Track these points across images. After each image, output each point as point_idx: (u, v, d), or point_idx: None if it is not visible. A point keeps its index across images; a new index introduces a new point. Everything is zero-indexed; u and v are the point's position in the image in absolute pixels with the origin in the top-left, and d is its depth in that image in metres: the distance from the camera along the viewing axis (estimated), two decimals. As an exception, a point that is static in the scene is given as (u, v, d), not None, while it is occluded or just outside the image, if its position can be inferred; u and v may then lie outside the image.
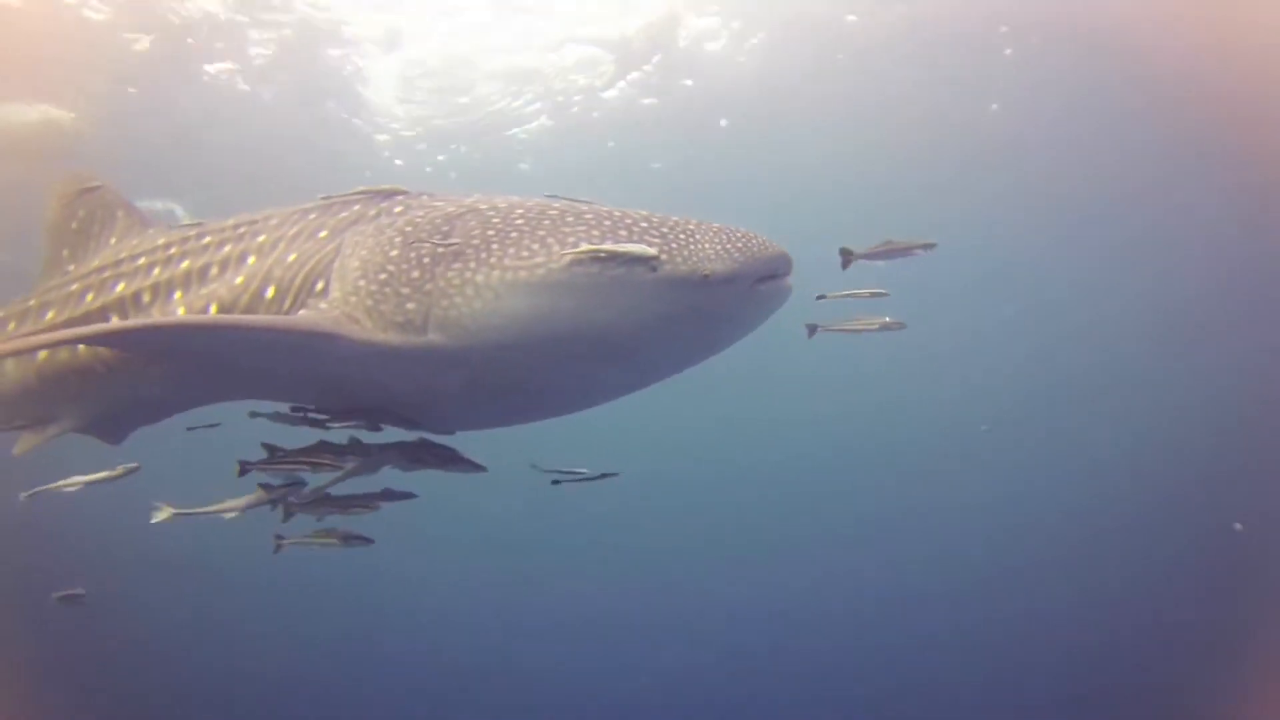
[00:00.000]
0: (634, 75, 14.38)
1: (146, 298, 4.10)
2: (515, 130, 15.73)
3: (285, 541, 3.79)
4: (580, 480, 3.89)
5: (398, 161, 16.25)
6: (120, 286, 4.27)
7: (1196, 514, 20.73)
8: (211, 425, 4.69)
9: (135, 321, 3.36)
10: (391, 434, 3.80)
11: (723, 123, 15.89)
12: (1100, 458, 23.22)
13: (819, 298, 4.23)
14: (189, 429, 4.66)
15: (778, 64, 14.12)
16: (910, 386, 22.64)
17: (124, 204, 5.15)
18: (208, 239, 4.14)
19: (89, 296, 4.42)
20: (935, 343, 19.73)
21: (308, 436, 3.77)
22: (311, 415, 3.81)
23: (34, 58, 12.30)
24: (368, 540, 3.84)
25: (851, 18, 13.16)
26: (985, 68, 14.02)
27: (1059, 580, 21.43)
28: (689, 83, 14.64)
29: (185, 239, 4.27)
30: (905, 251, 4.21)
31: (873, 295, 4.19)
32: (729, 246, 3.13)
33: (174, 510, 3.63)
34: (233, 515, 3.58)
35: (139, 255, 4.40)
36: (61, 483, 3.88)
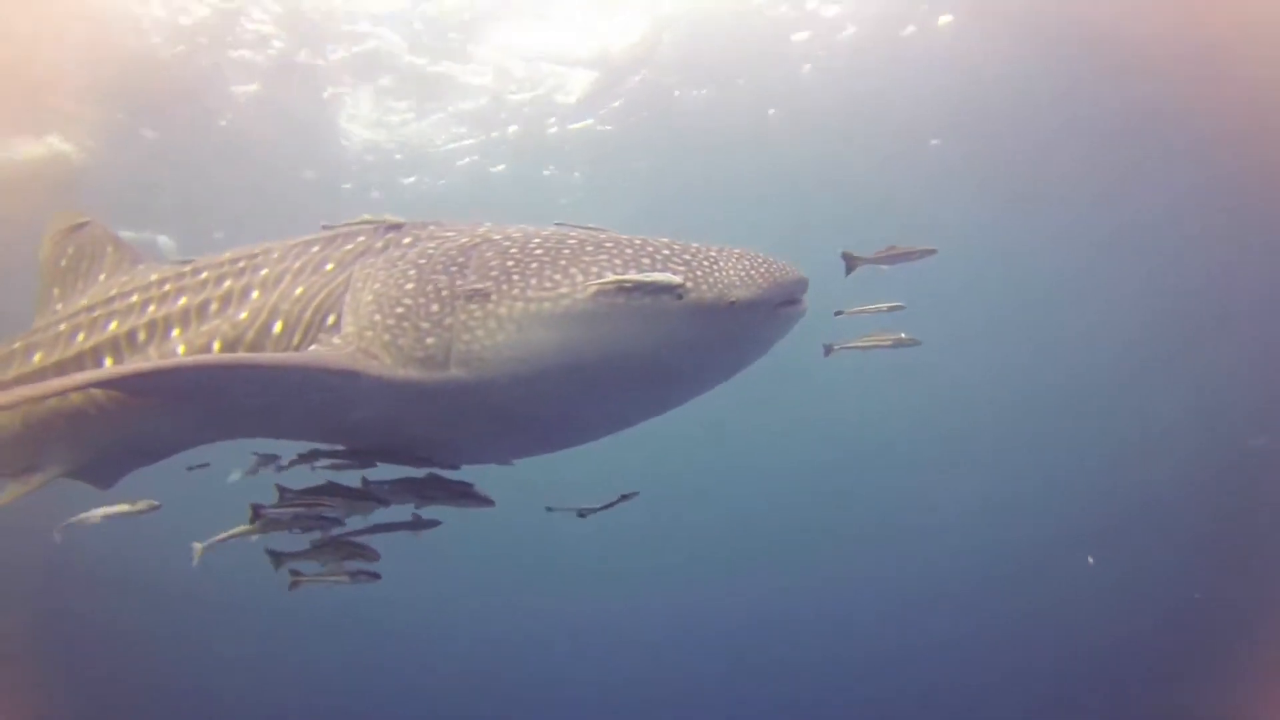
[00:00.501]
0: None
1: (142, 336, 3.95)
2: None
3: (301, 579, 3.67)
4: (604, 509, 3.82)
5: (374, 194, 16.20)
6: (113, 325, 4.11)
7: (1206, 512, 20.57)
8: (201, 465, 4.54)
9: (145, 364, 3.21)
10: (385, 470, 3.70)
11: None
12: (1109, 456, 23.05)
13: (837, 314, 4.15)
14: (189, 469, 4.52)
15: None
16: (907, 388, 22.44)
17: (113, 239, 4.99)
18: (205, 274, 3.99)
19: (79, 336, 4.24)
20: (936, 343, 19.72)
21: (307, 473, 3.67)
22: (316, 455, 3.69)
23: (39, 89, 12.20)
24: (375, 576, 3.73)
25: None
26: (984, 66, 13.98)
27: (1067, 583, 21.15)
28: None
29: (180, 274, 4.12)
30: (907, 257, 4.18)
31: (890, 309, 4.12)
32: (752, 273, 3.11)
33: (203, 545, 3.52)
34: (256, 537, 3.50)
35: (131, 292, 4.24)
36: (84, 516, 3.71)
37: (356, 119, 14.63)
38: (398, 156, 15.64)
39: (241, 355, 3.43)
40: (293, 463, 3.73)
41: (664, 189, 16.57)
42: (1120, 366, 21.28)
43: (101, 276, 4.82)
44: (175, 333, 3.82)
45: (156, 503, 3.65)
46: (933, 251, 4.10)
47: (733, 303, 3.03)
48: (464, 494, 3.52)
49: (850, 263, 4.16)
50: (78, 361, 4.12)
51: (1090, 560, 18.16)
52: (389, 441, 3.60)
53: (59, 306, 4.82)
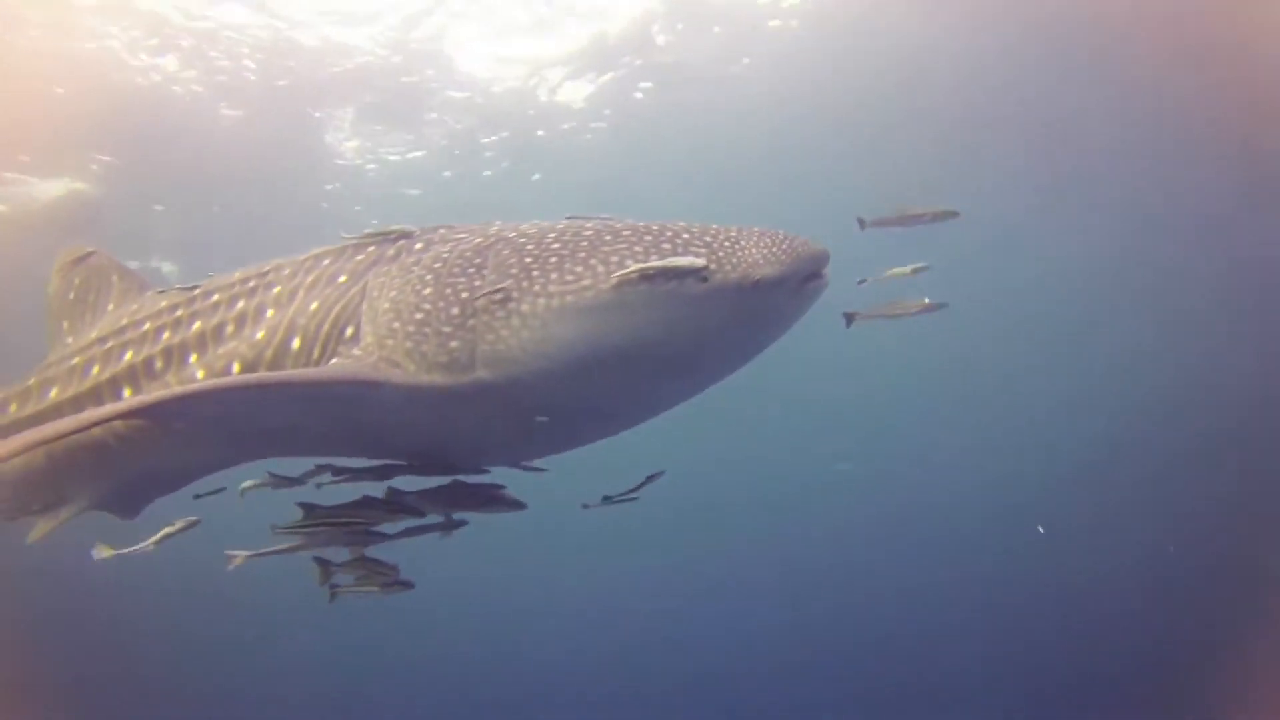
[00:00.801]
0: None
1: (159, 364, 3.90)
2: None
3: (339, 589, 3.64)
4: (632, 495, 3.80)
5: (356, 207, 16.14)
6: (129, 355, 4.07)
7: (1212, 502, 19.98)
8: (218, 490, 4.40)
9: (169, 392, 3.17)
10: (406, 481, 3.66)
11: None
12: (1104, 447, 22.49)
13: (860, 282, 4.10)
14: (196, 497, 4.38)
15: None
16: (910, 375, 22.13)
17: (119, 268, 4.95)
18: (216, 296, 3.95)
19: (95, 369, 4.20)
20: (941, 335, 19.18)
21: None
22: (336, 470, 3.65)
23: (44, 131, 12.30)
24: (408, 584, 3.69)
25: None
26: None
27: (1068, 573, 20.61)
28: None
29: (191, 299, 4.08)
30: (921, 219, 4.10)
31: (914, 271, 4.06)
32: (775, 250, 3.09)
33: (245, 554, 3.47)
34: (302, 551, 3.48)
35: (143, 321, 4.19)
36: (136, 548, 3.66)
37: (342, 134, 14.60)
38: (387, 170, 15.62)
39: (264, 375, 3.37)
40: (309, 474, 3.67)
41: (661, 183, 16.39)
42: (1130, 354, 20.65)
43: (110, 306, 4.79)
44: (193, 358, 3.78)
45: (195, 519, 3.62)
46: (954, 214, 4.02)
47: (758, 281, 3.00)
48: (494, 499, 3.50)
49: (862, 226, 4.08)
50: (94, 395, 4.09)
51: (1040, 529, 17.95)
52: (414, 451, 3.57)
53: (70, 340, 4.79)
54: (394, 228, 3.88)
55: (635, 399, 3.46)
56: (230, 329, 3.73)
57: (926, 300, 4.20)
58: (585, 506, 3.88)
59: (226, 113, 13.40)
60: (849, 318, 4.09)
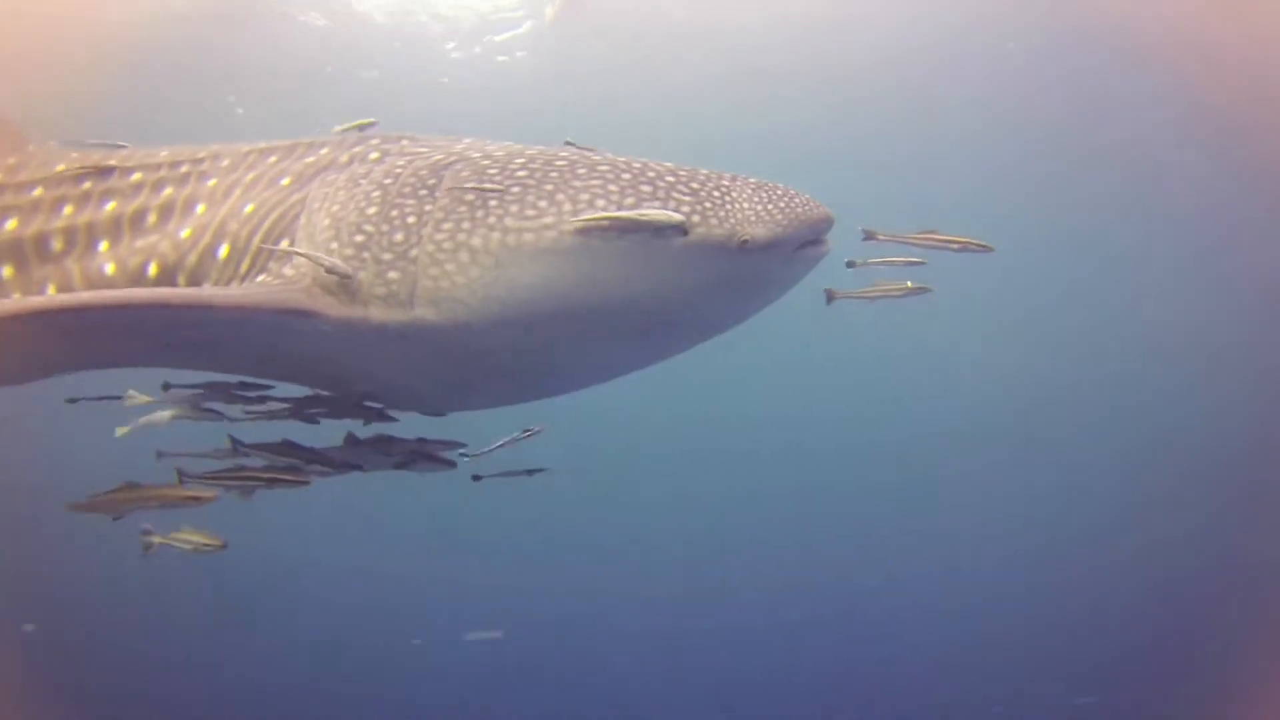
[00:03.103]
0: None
1: (57, 245, 3.32)
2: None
3: (154, 539, 3.21)
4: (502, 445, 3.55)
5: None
6: (11, 225, 3.40)
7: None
8: (110, 398, 3.70)
9: (60, 299, 2.74)
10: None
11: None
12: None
13: (848, 264, 3.79)
14: (69, 400, 3.82)
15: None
16: (919, 378, 20.84)
17: None
18: (137, 175, 3.40)
19: None
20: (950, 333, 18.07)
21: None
22: (256, 398, 3.31)
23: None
24: (219, 545, 3.18)
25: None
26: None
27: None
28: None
29: (105, 171, 3.47)
30: (945, 246, 3.82)
31: (908, 264, 3.77)
32: (770, 208, 2.75)
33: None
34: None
35: (31, 184, 3.50)
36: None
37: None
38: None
39: (173, 293, 2.94)
40: (199, 396, 3.28)
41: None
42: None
43: None
44: (103, 246, 3.27)
45: (212, 494, 3.06)
46: (986, 248, 3.74)
47: (745, 242, 2.68)
48: (423, 455, 3.19)
49: (869, 238, 3.78)
50: None
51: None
52: (346, 385, 3.23)
53: None
54: (361, 121, 3.47)
55: (593, 358, 3.16)
56: (152, 219, 3.26)
57: (909, 283, 3.90)
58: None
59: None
60: (829, 295, 3.79)
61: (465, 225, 2.68)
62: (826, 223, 2.88)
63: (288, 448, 3.09)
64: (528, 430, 3.72)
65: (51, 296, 3.01)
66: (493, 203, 2.70)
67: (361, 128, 3.90)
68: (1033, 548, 15.77)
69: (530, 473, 3.68)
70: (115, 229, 3.30)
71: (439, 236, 2.68)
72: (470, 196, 2.72)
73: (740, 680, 13.24)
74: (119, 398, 3.39)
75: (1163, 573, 14.51)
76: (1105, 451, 18.10)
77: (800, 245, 2.83)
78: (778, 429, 19.44)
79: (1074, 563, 15.05)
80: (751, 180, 2.85)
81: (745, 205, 2.72)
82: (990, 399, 19.47)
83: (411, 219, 2.74)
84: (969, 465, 17.98)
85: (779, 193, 2.80)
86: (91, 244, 3.32)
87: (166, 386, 3.39)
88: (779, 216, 2.72)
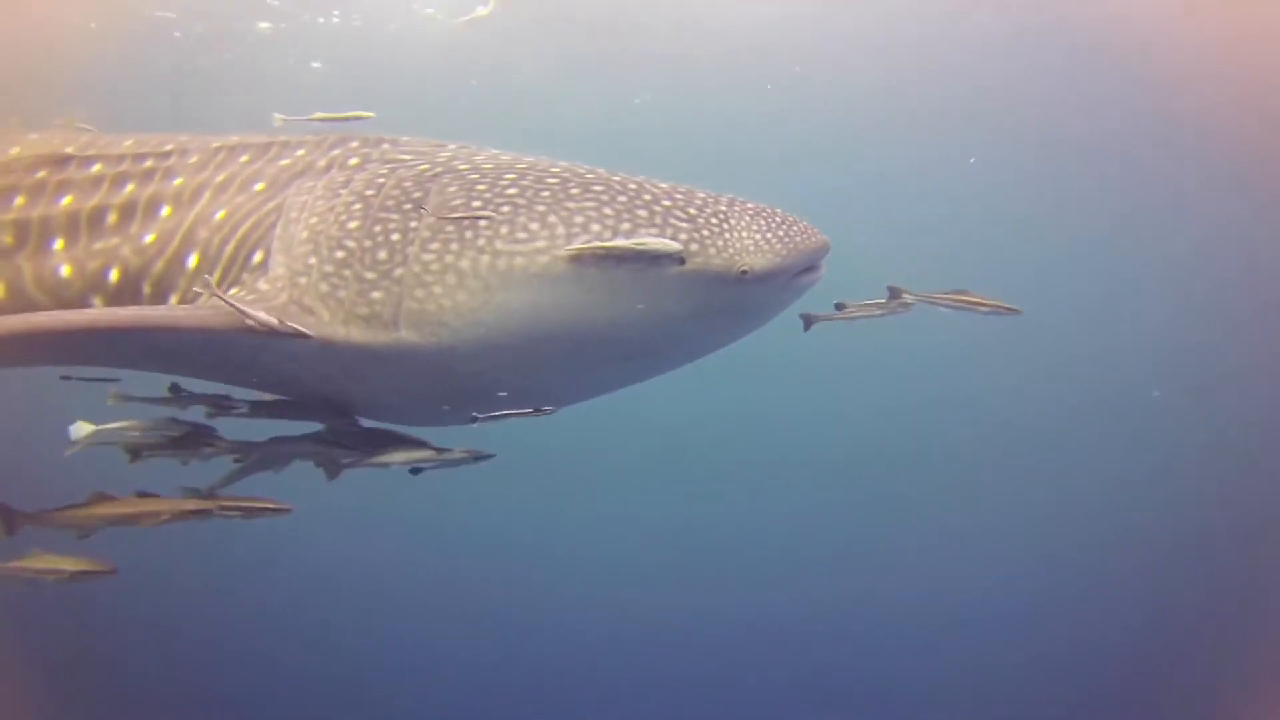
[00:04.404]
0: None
1: (6, 239, 3.09)
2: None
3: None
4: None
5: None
6: None
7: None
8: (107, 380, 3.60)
9: (15, 322, 2.47)
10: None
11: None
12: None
13: (838, 306, 3.73)
14: (64, 377, 3.54)
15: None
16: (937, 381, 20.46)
17: None
18: (97, 167, 3.18)
19: None
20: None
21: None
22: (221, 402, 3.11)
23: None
24: (108, 572, 2.92)
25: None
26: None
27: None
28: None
29: (60, 159, 3.22)
30: (973, 307, 3.79)
31: (894, 313, 3.72)
32: (769, 236, 2.69)
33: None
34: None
35: None
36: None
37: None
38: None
39: (141, 314, 2.72)
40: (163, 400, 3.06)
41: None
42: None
43: None
44: (58, 244, 3.05)
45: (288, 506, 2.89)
46: (1014, 310, 3.74)
47: (744, 272, 2.63)
48: (390, 441, 2.99)
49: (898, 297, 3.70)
50: None
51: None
52: (321, 400, 3.11)
53: None
54: (351, 114, 3.29)
55: (580, 380, 3.09)
56: (113, 219, 3.05)
57: (886, 298, 3.84)
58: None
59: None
60: (807, 321, 3.74)
61: (454, 246, 2.57)
62: (823, 250, 2.83)
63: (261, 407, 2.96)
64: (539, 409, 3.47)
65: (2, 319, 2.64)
66: (482, 223, 2.60)
67: (346, 120, 3.72)
68: (1036, 559, 15.39)
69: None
70: (71, 227, 3.09)
71: (426, 257, 2.57)
72: (460, 214, 2.62)
73: (725, 692, 12.88)
74: (115, 380, 3.17)
75: (1169, 586, 13.91)
76: (1107, 460, 17.50)
77: (798, 274, 2.80)
78: (777, 429, 19.25)
79: (1078, 576, 14.55)
80: (749, 205, 2.78)
81: (744, 234, 2.65)
82: (986, 408, 19.41)
83: (396, 236, 2.62)
84: (965, 477, 17.79)
85: (777, 220, 2.74)
86: (45, 241, 3.10)
87: (175, 390, 3.15)
88: (778, 246, 2.67)
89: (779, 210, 2.82)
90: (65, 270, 3.04)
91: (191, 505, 2.68)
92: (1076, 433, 18.85)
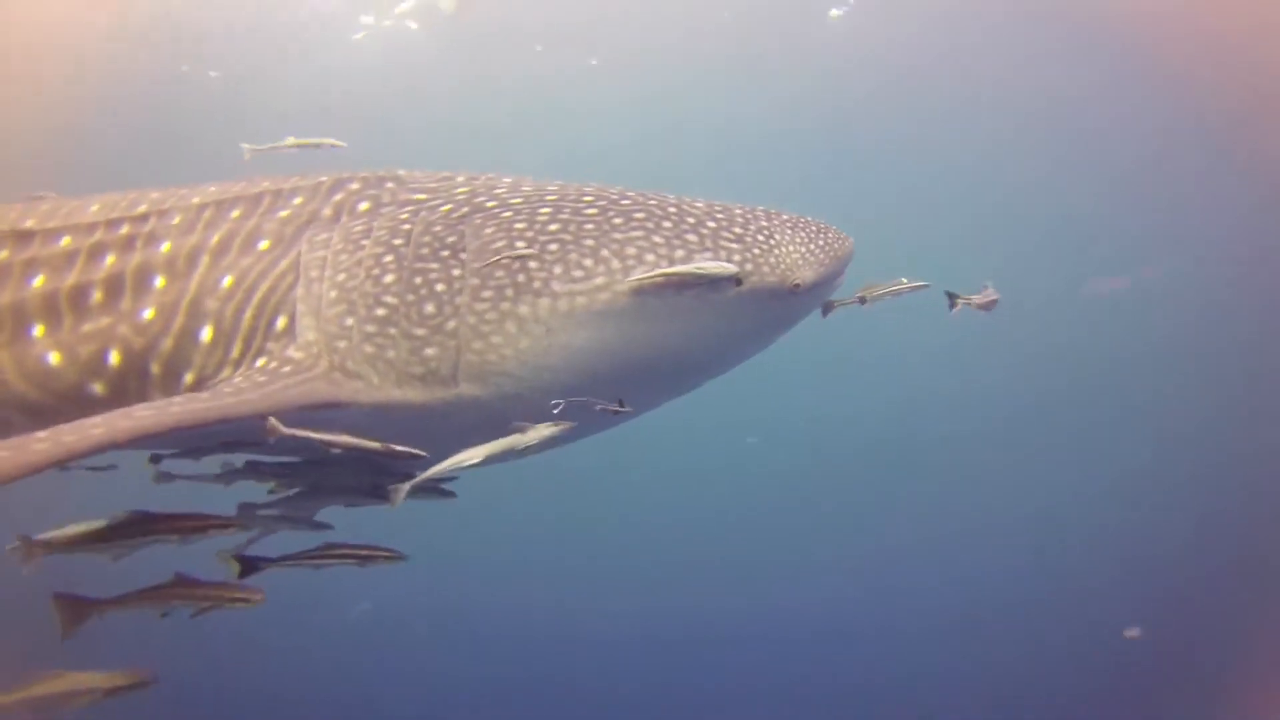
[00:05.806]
0: None
1: None
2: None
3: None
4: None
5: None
6: None
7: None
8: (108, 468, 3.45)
9: (47, 452, 2.04)
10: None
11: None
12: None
13: (860, 300, 3.74)
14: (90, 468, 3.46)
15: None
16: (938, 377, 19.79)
17: None
18: (66, 240, 2.87)
19: None
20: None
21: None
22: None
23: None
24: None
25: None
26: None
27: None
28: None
29: (22, 235, 2.91)
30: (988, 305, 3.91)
31: (914, 289, 3.77)
32: (812, 248, 2.76)
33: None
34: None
35: None
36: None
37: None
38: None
39: (185, 412, 2.34)
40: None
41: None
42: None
43: None
44: (37, 331, 2.75)
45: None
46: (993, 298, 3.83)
47: (797, 286, 2.69)
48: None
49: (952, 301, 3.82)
50: None
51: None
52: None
53: None
54: (323, 141, 3.08)
55: (634, 404, 3.03)
56: (98, 296, 2.75)
57: (904, 280, 3.89)
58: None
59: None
60: (825, 307, 3.77)
61: (509, 292, 2.47)
62: (851, 254, 2.91)
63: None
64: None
65: (43, 450, 2.15)
66: (533, 264, 2.50)
67: (319, 147, 3.51)
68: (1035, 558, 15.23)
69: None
70: (50, 310, 2.78)
71: (480, 306, 2.47)
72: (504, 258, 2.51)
73: (735, 695, 12.76)
74: (113, 466, 2.98)
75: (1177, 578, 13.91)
76: (1114, 450, 17.63)
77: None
78: (778, 430, 19.25)
79: (1078, 576, 14.34)
80: (785, 217, 2.82)
81: (790, 248, 2.70)
82: (990, 401, 19.56)
83: (440, 286, 2.50)
84: (972, 470, 17.88)
85: (814, 230, 2.80)
86: (22, 329, 2.78)
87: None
88: (822, 257, 2.74)
89: (812, 220, 2.88)
90: (53, 358, 2.75)
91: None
92: (1076, 430, 19.01)
